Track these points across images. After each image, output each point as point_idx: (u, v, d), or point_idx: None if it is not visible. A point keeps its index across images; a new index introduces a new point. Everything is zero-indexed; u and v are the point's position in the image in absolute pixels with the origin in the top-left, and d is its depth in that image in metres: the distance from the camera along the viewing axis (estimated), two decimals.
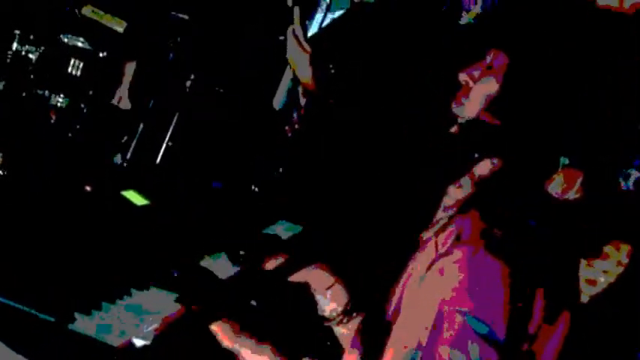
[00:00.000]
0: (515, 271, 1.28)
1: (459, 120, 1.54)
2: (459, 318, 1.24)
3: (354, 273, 1.75)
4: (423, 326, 1.28)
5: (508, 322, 1.24)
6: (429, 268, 1.36)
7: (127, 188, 1.85)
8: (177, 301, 1.52)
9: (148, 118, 2.23)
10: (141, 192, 1.89)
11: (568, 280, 1.48)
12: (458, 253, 1.31)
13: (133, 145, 2.21)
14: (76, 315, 1.35)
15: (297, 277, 1.68)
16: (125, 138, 2.23)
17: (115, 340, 1.33)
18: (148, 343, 1.38)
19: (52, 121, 2.14)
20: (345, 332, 1.64)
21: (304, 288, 1.67)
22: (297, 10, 2.20)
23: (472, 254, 1.29)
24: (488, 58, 1.49)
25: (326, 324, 1.64)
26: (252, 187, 2.35)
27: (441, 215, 1.53)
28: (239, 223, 2.06)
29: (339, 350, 1.63)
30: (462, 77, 1.51)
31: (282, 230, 2.07)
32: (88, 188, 1.78)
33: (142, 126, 2.22)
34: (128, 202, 1.82)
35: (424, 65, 2.26)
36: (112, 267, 1.57)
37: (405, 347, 1.29)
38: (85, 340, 1.31)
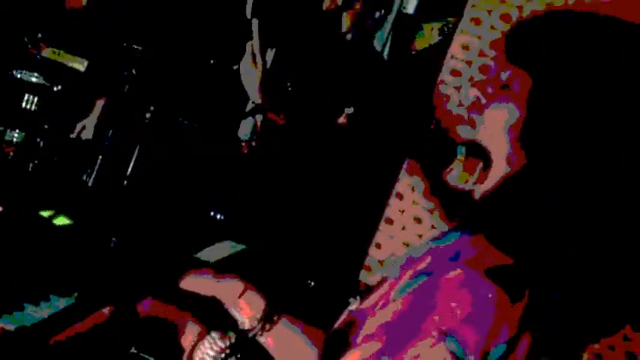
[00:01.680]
0: (507, 303, 1.16)
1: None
2: (438, 334, 1.14)
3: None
4: (397, 333, 1.18)
5: (488, 351, 1.13)
6: (413, 281, 1.25)
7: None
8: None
9: (108, 149, 2.15)
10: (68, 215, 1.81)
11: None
12: (454, 271, 1.19)
13: (93, 176, 2.13)
14: None
15: (208, 290, 1.55)
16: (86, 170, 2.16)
17: None
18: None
19: (9, 156, 2.09)
20: (271, 343, 1.51)
21: (216, 301, 1.53)
22: (255, 23, 2.10)
23: (470, 276, 1.17)
24: (504, 75, 1.33)
25: (250, 335, 1.49)
26: (211, 213, 2.25)
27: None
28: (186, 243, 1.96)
29: None
30: (474, 93, 1.37)
31: (227, 248, 1.95)
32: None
33: (100, 158, 2.13)
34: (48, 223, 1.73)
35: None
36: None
37: (374, 349, 1.18)
38: None
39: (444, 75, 2.08)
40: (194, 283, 1.55)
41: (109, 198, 2.15)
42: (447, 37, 2.32)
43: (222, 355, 1.41)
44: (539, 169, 1.23)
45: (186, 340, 1.46)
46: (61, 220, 1.76)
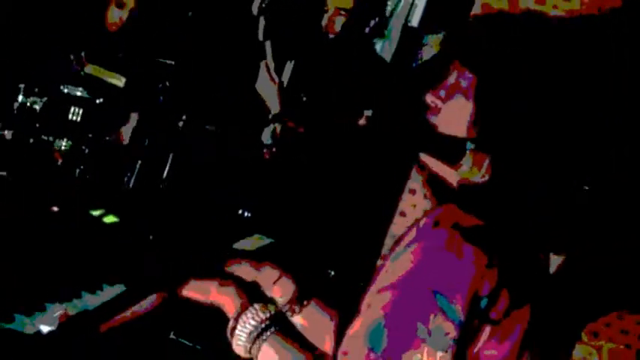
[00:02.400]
0: (487, 260, 1.28)
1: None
2: (426, 294, 1.25)
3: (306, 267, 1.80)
4: (391, 298, 1.29)
5: (471, 305, 1.25)
6: (401, 251, 1.38)
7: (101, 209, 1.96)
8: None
9: (145, 154, 2.35)
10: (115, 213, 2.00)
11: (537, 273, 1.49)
12: (434, 237, 1.33)
13: (133, 178, 2.33)
14: (16, 315, 1.45)
15: (247, 276, 1.73)
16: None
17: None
18: (53, 328, 1.46)
19: (59, 163, 2.28)
20: (297, 321, 1.67)
21: (255, 285, 1.71)
22: (267, 44, 2.34)
23: (447, 239, 1.29)
24: (452, 78, 1.46)
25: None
26: (240, 211, 2.45)
27: (401, 228, 1.68)
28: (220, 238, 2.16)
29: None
30: (430, 99, 1.49)
31: (257, 241, 2.14)
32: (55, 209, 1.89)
33: (139, 163, 2.34)
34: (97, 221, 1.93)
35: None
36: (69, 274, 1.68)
37: (373, 316, 1.30)
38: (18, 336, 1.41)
39: None
40: (236, 269, 1.75)
41: (147, 198, 2.36)
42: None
43: (263, 326, 1.52)
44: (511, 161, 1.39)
45: (229, 308, 1.59)
46: (110, 219, 1.95)
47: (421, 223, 1.44)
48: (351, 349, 1.31)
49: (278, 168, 2.61)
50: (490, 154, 1.40)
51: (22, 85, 2.21)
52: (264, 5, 2.47)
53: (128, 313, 1.68)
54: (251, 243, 2.13)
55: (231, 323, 1.55)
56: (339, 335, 1.50)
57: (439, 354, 1.23)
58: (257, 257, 1.88)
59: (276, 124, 2.56)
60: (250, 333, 1.51)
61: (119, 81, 2.42)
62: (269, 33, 2.48)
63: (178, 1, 2.53)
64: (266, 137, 2.70)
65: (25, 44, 2.26)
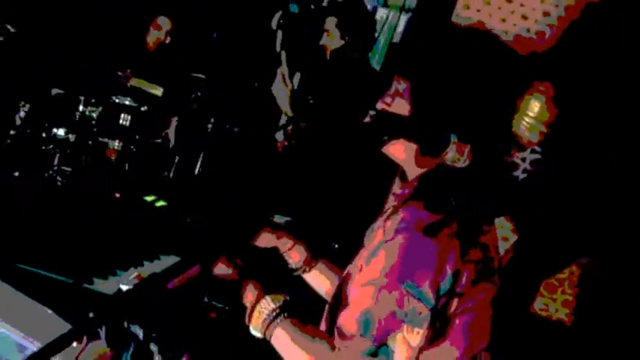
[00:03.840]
0: (446, 248, 1.44)
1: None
2: (399, 285, 1.41)
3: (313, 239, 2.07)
4: (373, 292, 1.45)
5: (437, 286, 1.42)
6: (377, 247, 1.53)
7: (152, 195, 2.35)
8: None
9: (182, 152, 2.76)
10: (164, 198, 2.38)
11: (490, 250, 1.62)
12: (400, 238, 1.47)
13: (173, 170, 2.74)
14: (95, 279, 1.68)
15: (268, 243, 1.98)
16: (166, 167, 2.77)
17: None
18: (130, 287, 1.67)
19: (112, 159, 2.68)
20: (309, 279, 1.93)
21: (274, 250, 1.98)
22: (283, 54, 2.74)
23: (411, 238, 1.45)
24: (395, 85, 1.63)
25: (295, 274, 1.93)
26: (262, 191, 2.83)
27: (388, 206, 1.72)
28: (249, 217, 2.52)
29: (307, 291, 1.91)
30: (380, 105, 1.64)
31: (279, 221, 2.51)
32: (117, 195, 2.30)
33: (177, 158, 2.75)
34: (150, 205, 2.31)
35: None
36: (131, 247, 1.95)
37: (361, 308, 1.46)
38: (94, 294, 1.62)
39: None
40: (260, 239, 1.97)
41: (184, 186, 2.75)
42: None
43: (274, 314, 1.66)
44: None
45: (247, 299, 1.71)
46: (160, 203, 2.34)
47: (387, 226, 1.58)
48: (347, 328, 1.48)
49: (288, 158, 3.03)
50: (470, 144, 1.57)
51: (82, 98, 2.62)
52: (281, 22, 2.91)
53: (179, 278, 1.97)
54: (275, 220, 2.50)
55: (248, 311, 1.70)
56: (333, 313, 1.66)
57: (416, 329, 1.42)
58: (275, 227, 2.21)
59: (288, 122, 2.99)
60: (264, 320, 1.65)
61: (158, 91, 2.83)
62: (284, 45, 2.90)
63: (206, 25, 2.94)
64: (279, 134, 3.12)
65: (83, 65, 2.67)
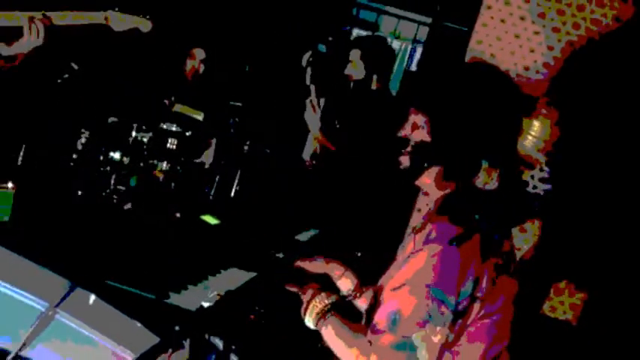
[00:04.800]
0: (469, 258, 1.59)
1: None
2: (425, 289, 1.57)
3: (359, 264, 2.21)
4: (403, 294, 1.61)
5: (459, 291, 1.57)
6: (408, 257, 1.68)
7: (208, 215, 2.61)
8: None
9: (221, 172, 3.02)
10: (216, 217, 2.64)
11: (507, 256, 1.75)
12: (427, 249, 1.62)
13: (214, 188, 2.99)
14: (170, 293, 1.86)
15: (319, 270, 2.14)
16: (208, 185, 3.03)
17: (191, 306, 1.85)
18: (211, 304, 1.86)
19: (160, 179, 2.91)
20: (360, 303, 2.06)
21: (326, 277, 2.12)
22: (312, 87, 3.12)
23: (437, 248, 1.60)
24: (412, 118, 1.77)
25: (347, 299, 2.08)
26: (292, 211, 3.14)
27: (415, 221, 2.00)
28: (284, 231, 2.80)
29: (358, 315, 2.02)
30: (402, 132, 1.79)
31: (311, 234, 2.79)
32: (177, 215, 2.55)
33: (218, 177, 3.00)
34: (206, 223, 2.57)
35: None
36: (195, 263, 2.19)
37: (392, 308, 1.62)
38: (175, 309, 1.80)
39: None
40: (313, 265, 2.14)
41: (224, 204, 3.01)
42: None
43: (326, 309, 1.82)
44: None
45: (305, 295, 1.90)
46: (214, 221, 2.59)
47: (417, 239, 1.71)
48: (378, 325, 1.62)
49: (316, 176, 3.34)
50: (498, 169, 1.73)
51: (135, 125, 2.85)
52: (310, 59, 3.25)
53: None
54: (305, 234, 2.77)
55: (304, 305, 1.87)
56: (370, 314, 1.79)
57: (438, 328, 1.56)
58: (311, 245, 2.45)
59: (316, 144, 3.36)
60: (317, 314, 1.81)
61: (199, 115, 3.07)
62: (314, 79, 3.26)
63: (239, 57, 3.24)
64: (307, 154, 3.47)
65: (134, 95, 2.90)
